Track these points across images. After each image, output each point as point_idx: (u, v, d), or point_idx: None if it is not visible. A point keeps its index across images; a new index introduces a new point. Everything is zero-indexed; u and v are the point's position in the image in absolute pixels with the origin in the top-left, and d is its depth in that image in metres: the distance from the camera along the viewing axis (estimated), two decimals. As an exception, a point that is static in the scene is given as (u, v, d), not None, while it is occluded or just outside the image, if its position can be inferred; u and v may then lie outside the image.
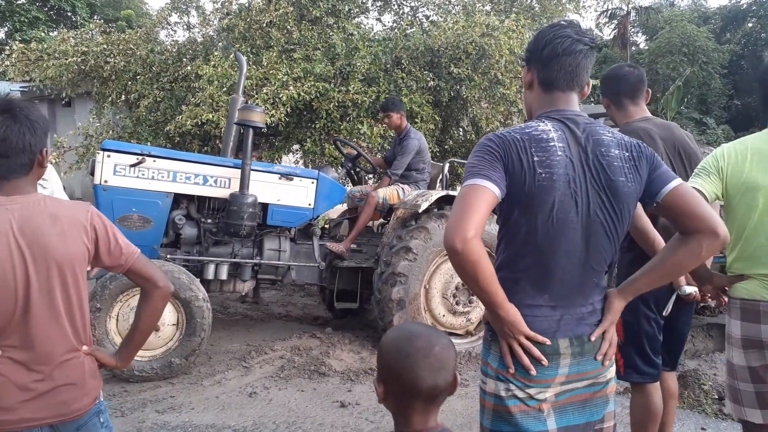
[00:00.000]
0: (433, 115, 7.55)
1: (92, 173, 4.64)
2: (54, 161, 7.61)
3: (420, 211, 4.87)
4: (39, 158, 1.70)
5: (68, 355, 1.69)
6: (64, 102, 11.10)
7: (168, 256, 4.68)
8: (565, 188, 1.54)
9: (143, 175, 4.66)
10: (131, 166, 4.61)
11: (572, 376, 1.62)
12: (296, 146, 8.32)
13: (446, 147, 8.67)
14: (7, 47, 8.62)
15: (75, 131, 8.25)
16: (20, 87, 12.98)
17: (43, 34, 10.13)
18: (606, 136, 1.64)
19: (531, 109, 1.76)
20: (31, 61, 8.19)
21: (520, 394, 1.59)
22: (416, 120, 7.33)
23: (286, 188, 5.10)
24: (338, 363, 4.70)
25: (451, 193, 5.17)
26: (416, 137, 5.58)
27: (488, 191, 1.50)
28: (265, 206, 4.99)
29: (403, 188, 5.53)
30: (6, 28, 21.54)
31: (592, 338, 1.64)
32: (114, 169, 4.57)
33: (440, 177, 5.99)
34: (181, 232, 4.87)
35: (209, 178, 4.88)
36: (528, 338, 1.57)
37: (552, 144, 1.56)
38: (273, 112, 6.65)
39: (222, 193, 4.92)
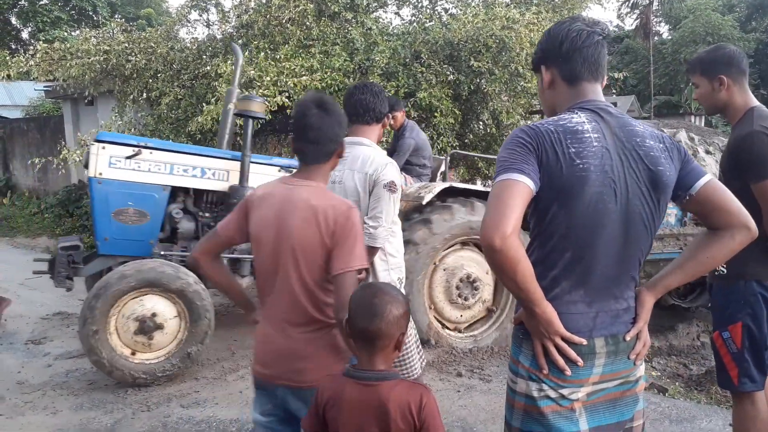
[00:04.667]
0: (453, 109, 7.48)
1: (86, 165, 4.52)
2: (78, 159, 7.71)
3: (423, 203, 4.79)
4: (339, 149, 2.01)
5: (305, 326, 1.91)
6: (86, 101, 11.22)
7: (162, 252, 4.60)
8: (603, 178, 1.51)
9: (139, 167, 4.55)
10: (127, 158, 4.49)
11: (606, 375, 1.60)
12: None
13: (466, 141, 8.60)
14: (31, 47, 8.74)
15: (97, 129, 8.33)
16: (44, 86, 13.19)
17: (65, 33, 10.23)
18: (638, 127, 1.62)
19: (554, 106, 1.72)
20: (55, 60, 8.27)
21: (553, 395, 1.57)
22: (436, 114, 7.28)
23: None
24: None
25: (455, 185, 5.08)
26: (411, 136, 5.50)
27: (523, 185, 1.47)
28: None
29: (405, 177, 5.46)
30: (29, 28, 21.86)
31: (628, 338, 1.61)
32: (109, 161, 4.45)
33: (441, 170, 5.90)
34: (178, 226, 4.77)
35: (207, 171, 4.79)
36: (563, 339, 1.54)
37: (587, 135, 1.53)
38: (277, 99, 6.48)
39: (220, 186, 4.82)
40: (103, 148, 4.45)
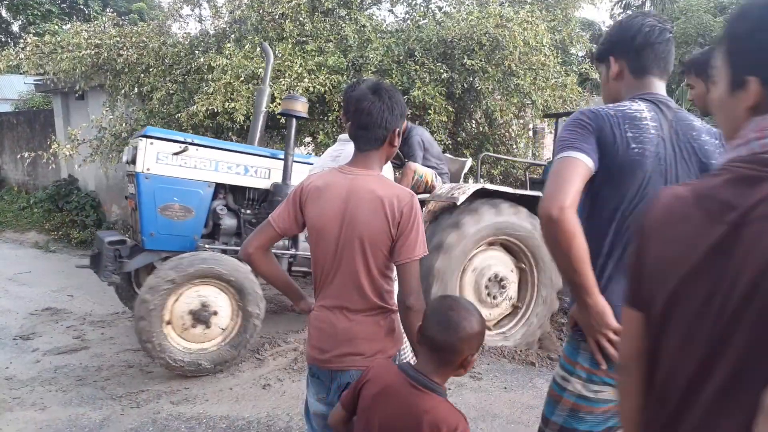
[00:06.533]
0: (446, 106, 7.48)
1: (133, 161, 4.54)
2: (68, 153, 7.64)
3: (458, 203, 4.78)
4: (391, 136, 2.00)
5: (367, 312, 1.94)
6: (77, 95, 11.10)
7: (207, 246, 4.66)
8: (656, 165, 1.56)
9: (186, 163, 4.59)
10: (174, 154, 4.53)
11: None
12: (308, 139, 8.30)
13: (459, 139, 8.60)
14: (22, 40, 8.65)
15: (88, 124, 8.26)
16: (34, 80, 13.04)
17: (56, 27, 10.12)
18: (696, 122, 1.67)
19: (618, 97, 1.78)
20: (45, 54, 8.20)
21: (608, 396, 1.58)
22: (429, 111, 7.28)
23: None
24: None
25: (487, 186, 5.08)
26: (416, 132, 5.45)
27: (582, 163, 1.52)
28: None
29: (435, 176, 5.39)
30: (20, 21, 21.65)
31: None
32: (156, 157, 4.49)
33: (463, 171, 5.89)
34: (221, 222, 4.85)
35: (250, 168, 4.87)
36: (616, 332, 1.52)
37: (645, 122, 1.58)
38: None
39: (262, 183, 4.91)
40: (151, 143, 4.49)
